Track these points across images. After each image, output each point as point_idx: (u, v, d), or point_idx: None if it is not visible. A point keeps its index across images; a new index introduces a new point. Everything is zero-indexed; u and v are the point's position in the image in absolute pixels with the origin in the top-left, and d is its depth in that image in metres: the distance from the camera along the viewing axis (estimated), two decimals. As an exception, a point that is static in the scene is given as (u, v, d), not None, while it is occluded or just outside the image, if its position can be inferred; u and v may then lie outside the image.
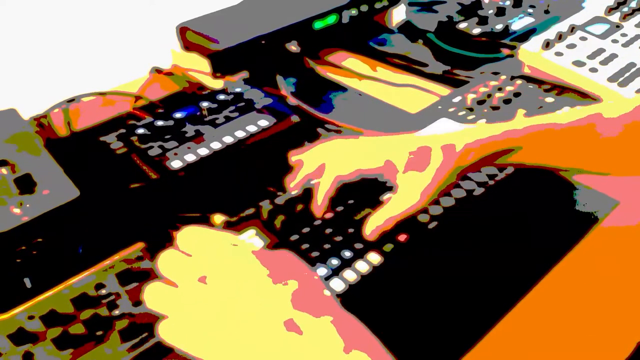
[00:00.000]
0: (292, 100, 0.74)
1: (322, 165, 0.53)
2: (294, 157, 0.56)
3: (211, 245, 0.35)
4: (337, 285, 0.48)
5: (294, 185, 0.55)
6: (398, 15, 0.98)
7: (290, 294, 0.32)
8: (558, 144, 0.51)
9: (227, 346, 0.31)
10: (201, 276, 0.33)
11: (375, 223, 0.49)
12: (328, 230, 0.53)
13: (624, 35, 0.81)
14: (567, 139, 0.51)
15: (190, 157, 0.62)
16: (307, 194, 0.56)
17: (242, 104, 0.71)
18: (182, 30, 0.81)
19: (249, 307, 0.32)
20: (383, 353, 0.32)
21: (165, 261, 0.34)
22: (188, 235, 0.35)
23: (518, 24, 0.90)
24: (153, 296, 0.33)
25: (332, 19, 0.86)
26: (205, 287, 0.33)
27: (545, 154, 0.51)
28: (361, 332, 0.33)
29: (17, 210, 0.52)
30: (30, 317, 0.43)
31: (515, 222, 0.56)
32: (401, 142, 0.52)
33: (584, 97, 0.72)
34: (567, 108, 0.53)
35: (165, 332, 0.32)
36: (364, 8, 0.89)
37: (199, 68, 0.78)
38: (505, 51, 0.84)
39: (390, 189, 0.57)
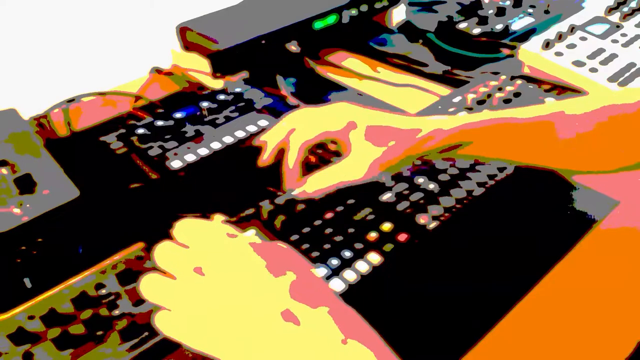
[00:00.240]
0: (292, 100, 0.74)
1: (289, 133, 0.52)
2: (257, 141, 0.55)
3: (207, 236, 0.35)
4: (337, 285, 0.48)
5: (266, 157, 0.54)
6: (398, 15, 0.98)
7: (287, 285, 0.32)
8: (513, 138, 0.50)
9: (224, 337, 0.31)
10: (197, 267, 0.33)
11: (318, 184, 0.49)
12: (328, 230, 0.53)
13: (624, 35, 0.82)
14: (524, 135, 0.50)
15: (190, 157, 0.62)
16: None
17: (242, 104, 0.71)
18: (182, 30, 0.81)
19: (246, 298, 0.31)
20: (381, 345, 0.32)
21: (161, 252, 0.34)
22: (184, 227, 0.35)
23: (518, 24, 0.90)
24: (149, 287, 0.33)
25: (332, 19, 0.86)
26: (201, 278, 0.32)
27: (499, 148, 0.51)
28: (359, 324, 0.33)
29: (17, 210, 0.52)
30: (30, 317, 0.42)
31: (515, 222, 0.56)
32: (367, 115, 0.51)
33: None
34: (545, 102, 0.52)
35: (162, 323, 0.32)
36: (364, 8, 0.89)
37: (199, 68, 0.78)
38: (505, 51, 0.84)
39: (390, 189, 0.57)
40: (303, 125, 0.52)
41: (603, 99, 0.52)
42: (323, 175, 0.49)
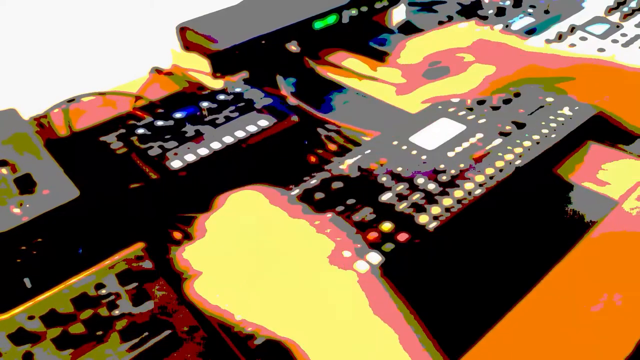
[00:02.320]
0: (292, 100, 0.74)
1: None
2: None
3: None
4: (337, 285, 0.48)
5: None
6: (398, 15, 0.98)
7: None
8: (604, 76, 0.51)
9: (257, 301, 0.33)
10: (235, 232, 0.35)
11: (429, 94, 0.49)
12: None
13: (624, 35, 0.82)
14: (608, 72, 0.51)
15: (190, 157, 0.62)
16: (309, 195, 0.56)
17: (242, 104, 0.71)
18: (182, 30, 0.81)
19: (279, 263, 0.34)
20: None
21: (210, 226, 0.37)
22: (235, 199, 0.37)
23: (518, 24, 0.90)
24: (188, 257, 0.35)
25: (332, 19, 0.86)
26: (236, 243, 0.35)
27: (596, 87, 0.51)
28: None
29: (17, 210, 0.52)
30: (30, 317, 0.43)
31: (515, 223, 0.56)
32: (492, 35, 0.53)
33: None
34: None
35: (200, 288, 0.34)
36: (364, 8, 0.89)
37: (199, 68, 0.78)
38: (505, 51, 0.84)
39: (388, 189, 0.57)
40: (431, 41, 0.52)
41: None
42: (435, 86, 0.49)
